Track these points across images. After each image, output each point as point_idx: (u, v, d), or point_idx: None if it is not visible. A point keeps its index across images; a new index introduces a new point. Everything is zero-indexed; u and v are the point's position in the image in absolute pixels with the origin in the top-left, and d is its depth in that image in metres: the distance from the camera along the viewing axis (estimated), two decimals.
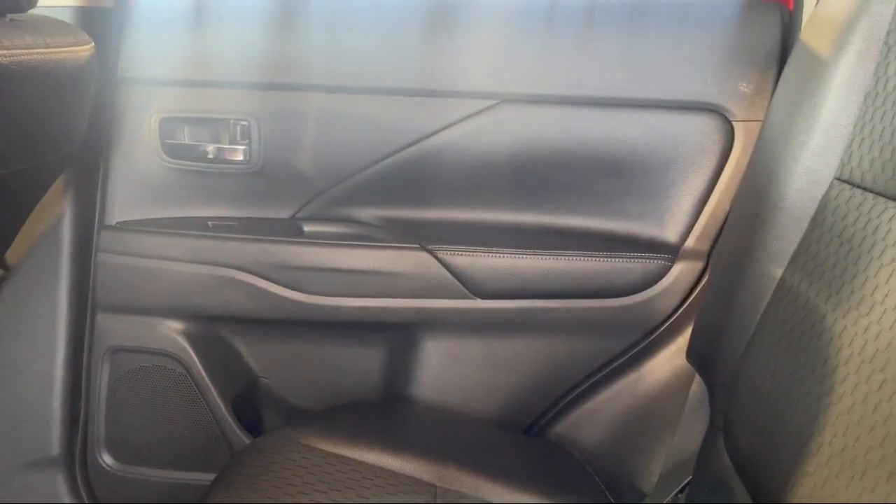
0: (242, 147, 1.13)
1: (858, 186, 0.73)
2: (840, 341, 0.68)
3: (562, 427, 1.16)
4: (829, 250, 0.74)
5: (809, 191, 0.78)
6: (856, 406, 0.63)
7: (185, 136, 1.14)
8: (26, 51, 0.78)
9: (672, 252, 1.11)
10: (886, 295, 0.64)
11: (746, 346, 0.81)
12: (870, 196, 0.71)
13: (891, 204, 0.68)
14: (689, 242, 1.11)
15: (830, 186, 0.77)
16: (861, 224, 0.71)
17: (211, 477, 1.07)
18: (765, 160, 0.88)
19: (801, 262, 0.77)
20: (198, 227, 1.15)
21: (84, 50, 0.90)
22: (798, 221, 0.79)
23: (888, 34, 0.74)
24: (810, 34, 0.86)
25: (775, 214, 0.81)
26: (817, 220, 0.77)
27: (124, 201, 1.15)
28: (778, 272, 0.79)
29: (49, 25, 0.86)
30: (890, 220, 0.67)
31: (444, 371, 1.16)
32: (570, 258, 1.10)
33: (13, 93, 0.81)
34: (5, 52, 0.75)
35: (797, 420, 0.68)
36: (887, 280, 0.65)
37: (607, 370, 1.15)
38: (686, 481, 1.02)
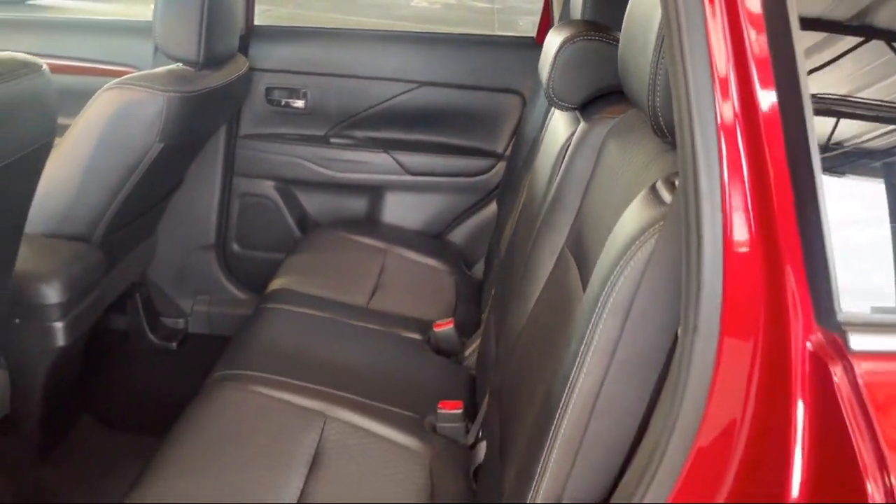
0: (302, 101, 2.41)
1: None
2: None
3: (447, 233, 2.49)
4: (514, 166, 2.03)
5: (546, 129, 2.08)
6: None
7: (276, 95, 2.41)
8: (233, 75, 2.03)
9: (498, 157, 2.41)
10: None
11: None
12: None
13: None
14: (507, 152, 2.41)
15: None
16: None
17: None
18: (524, 119, 2.18)
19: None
20: (281, 139, 2.44)
21: (246, 65, 2.16)
22: (528, 144, 2.09)
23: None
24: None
25: (522, 144, 2.11)
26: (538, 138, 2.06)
27: (248, 123, 2.42)
28: (520, 163, 2.10)
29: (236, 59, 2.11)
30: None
31: (396, 207, 2.47)
32: (450, 156, 2.41)
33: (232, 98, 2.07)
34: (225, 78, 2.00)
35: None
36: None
37: (469, 210, 2.47)
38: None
